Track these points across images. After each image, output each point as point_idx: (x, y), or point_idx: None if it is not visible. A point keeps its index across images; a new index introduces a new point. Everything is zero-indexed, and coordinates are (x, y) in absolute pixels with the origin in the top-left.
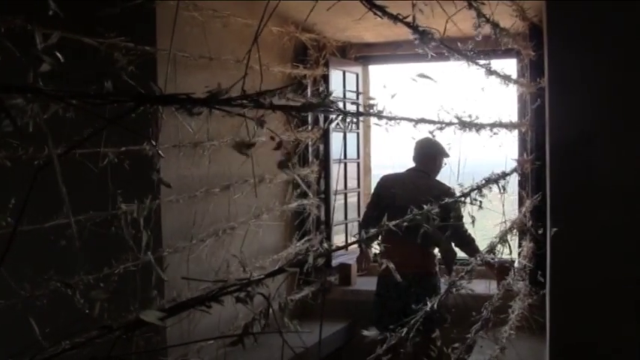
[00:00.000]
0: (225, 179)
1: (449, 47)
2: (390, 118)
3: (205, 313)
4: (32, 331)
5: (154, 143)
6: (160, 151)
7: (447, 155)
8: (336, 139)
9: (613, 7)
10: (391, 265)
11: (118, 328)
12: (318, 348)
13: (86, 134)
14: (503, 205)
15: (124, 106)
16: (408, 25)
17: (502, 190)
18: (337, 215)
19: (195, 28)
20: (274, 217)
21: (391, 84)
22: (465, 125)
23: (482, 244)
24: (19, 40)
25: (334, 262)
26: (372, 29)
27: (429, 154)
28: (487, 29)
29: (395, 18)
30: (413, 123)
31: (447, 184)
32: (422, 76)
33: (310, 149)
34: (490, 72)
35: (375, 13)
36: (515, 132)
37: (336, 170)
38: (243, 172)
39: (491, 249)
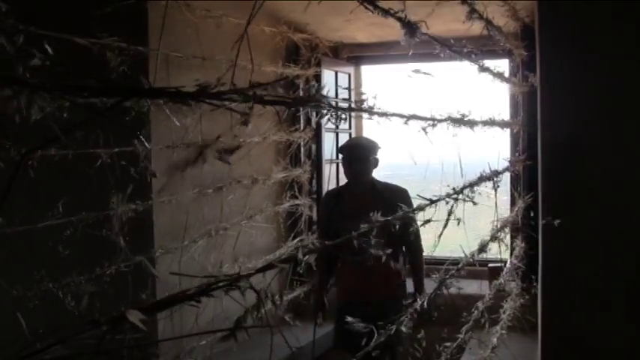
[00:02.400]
0: (217, 180)
1: (441, 43)
2: (381, 114)
3: (198, 311)
4: (23, 330)
5: (142, 139)
6: (145, 143)
7: (378, 147)
8: (328, 139)
9: (604, 8)
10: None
11: (106, 322)
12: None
13: (76, 132)
14: (495, 203)
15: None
16: (399, 19)
17: (494, 187)
18: None
19: (188, 28)
20: (267, 218)
21: (383, 84)
22: (456, 122)
23: (473, 245)
24: (8, 38)
25: None
26: (364, 29)
27: (355, 158)
28: (479, 29)
29: (386, 12)
30: (404, 119)
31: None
32: (418, 72)
33: (302, 149)
34: (482, 69)
35: (367, 7)
36: (508, 131)
37: (328, 170)
38: (236, 173)
39: (482, 248)
